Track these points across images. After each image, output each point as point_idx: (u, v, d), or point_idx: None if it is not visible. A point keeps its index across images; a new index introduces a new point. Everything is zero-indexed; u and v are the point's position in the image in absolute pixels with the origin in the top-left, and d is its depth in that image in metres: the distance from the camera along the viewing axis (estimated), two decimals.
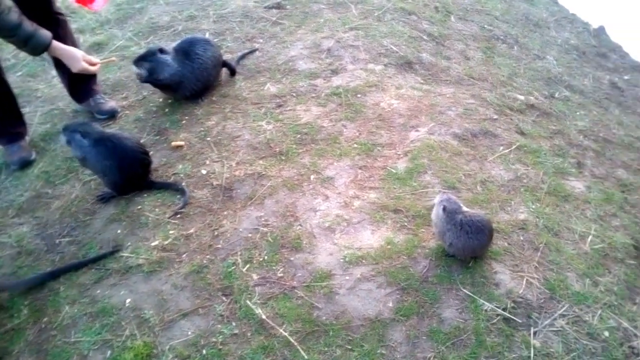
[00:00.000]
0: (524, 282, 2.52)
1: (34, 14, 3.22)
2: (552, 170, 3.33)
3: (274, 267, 2.62)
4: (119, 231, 2.87)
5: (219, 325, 2.37)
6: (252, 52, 4.38)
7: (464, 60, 4.64)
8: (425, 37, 4.78)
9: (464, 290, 2.47)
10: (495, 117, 3.79)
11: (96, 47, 4.58)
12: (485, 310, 2.39)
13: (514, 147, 3.46)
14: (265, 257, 2.67)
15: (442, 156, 3.30)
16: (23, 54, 4.44)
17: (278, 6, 5.04)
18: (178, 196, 3.04)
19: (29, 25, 2.75)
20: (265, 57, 4.31)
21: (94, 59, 3.21)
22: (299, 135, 3.47)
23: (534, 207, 2.99)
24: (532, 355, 2.23)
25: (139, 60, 3.56)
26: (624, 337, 2.36)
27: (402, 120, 3.64)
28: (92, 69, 3.15)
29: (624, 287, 2.62)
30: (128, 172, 2.99)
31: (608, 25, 6.40)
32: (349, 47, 4.39)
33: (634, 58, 5.96)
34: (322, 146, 3.39)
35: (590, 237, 2.86)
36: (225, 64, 4.04)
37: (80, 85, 3.68)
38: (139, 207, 3.00)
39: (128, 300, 2.50)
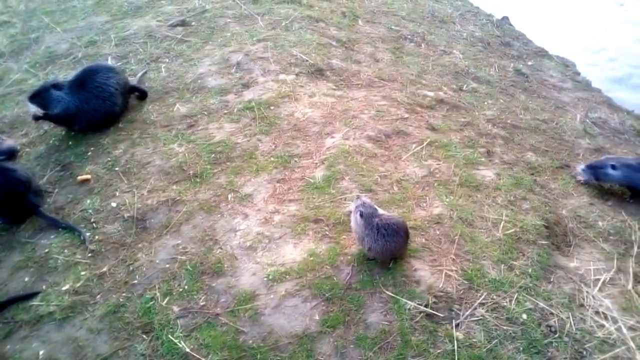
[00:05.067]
0: (443, 275, 2.57)
1: None
2: (463, 162, 3.44)
3: (195, 296, 2.54)
4: (26, 279, 2.69)
5: None
6: (144, 74, 4.28)
7: (374, 62, 4.72)
8: (334, 43, 4.83)
9: (387, 292, 2.49)
10: (407, 115, 3.87)
11: None
12: (409, 309, 2.42)
13: (425, 143, 3.55)
14: (186, 287, 2.58)
15: (358, 160, 3.33)
16: None
17: (182, 23, 4.93)
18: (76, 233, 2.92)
19: None
20: (172, 77, 4.20)
21: None
22: (213, 155, 3.39)
23: (447, 200, 3.07)
24: (455, 347, 2.27)
25: (33, 97, 3.45)
26: (541, 317, 2.45)
27: (317, 129, 3.65)
28: None
29: (538, 267, 2.73)
30: None
31: (511, 14, 6.77)
32: (258, 60, 4.35)
33: (537, 44, 6.31)
34: (238, 163, 3.33)
35: (503, 223, 2.97)
36: (135, 88, 3.90)
37: None
38: (47, 250, 2.82)
39: (41, 352, 2.34)
